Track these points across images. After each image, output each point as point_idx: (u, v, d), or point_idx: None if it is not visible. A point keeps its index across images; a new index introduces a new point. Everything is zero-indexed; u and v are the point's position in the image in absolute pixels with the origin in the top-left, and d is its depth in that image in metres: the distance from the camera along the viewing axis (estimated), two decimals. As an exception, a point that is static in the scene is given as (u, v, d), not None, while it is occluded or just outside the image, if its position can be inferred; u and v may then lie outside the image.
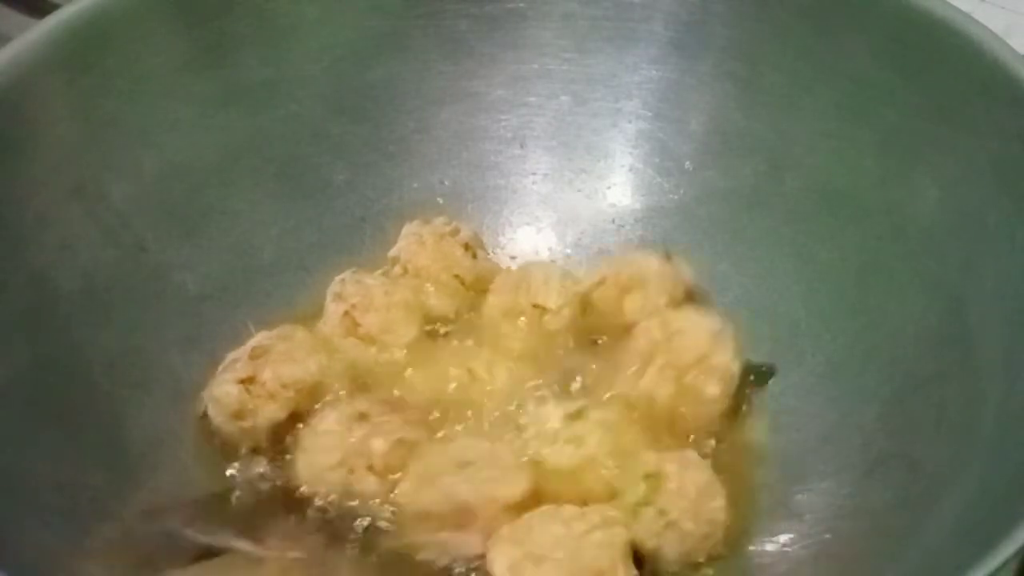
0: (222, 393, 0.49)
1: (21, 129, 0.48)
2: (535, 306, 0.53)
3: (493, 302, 0.54)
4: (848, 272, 0.52)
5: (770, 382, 0.52)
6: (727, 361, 0.50)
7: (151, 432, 0.49)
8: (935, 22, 0.48)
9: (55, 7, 0.51)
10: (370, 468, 0.47)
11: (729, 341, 0.51)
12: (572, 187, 0.60)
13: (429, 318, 0.54)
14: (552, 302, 0.53)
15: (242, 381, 0.49)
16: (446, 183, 0.59)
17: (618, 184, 0.59)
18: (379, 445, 0.47)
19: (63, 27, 0.50)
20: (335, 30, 0.57)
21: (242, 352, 0.50)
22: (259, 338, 0.51)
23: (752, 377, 0.52)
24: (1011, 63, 0.45)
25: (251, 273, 0.55)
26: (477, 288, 0.55)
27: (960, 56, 0.47)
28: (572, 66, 0.59)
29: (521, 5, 0.58)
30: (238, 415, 0.49)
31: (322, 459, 0.48)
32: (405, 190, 0.59)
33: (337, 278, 0.54)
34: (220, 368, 0.50)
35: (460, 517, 0.46)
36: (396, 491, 0.47)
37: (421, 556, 0.46)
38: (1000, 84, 0.46)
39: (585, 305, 0.54)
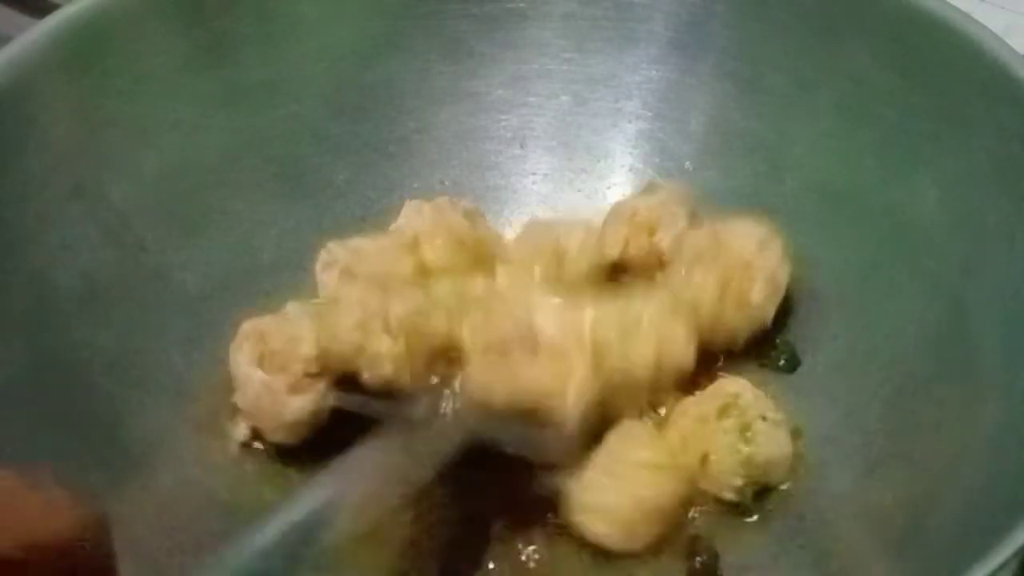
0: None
1: (21, 129, 0.48)
2: (555, 251, 0.52)
3: (513, 247, 0.54)
4: (848, 272, 0.52)
5: (771, 381, 0.52)
6: (773, 267, 0.50)
7: (151, 432, 0.49)
8: (935, 22, 0.48)
9: (55, 7, 0.51)
10: (386, 329, 0.47)
11: (777, 247, 0.50)
12: (572, 187, 0.60)
13: (426, 271, 0.53)
14: (574, 247, 0.52)
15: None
16: (446, 183, 0.59)
17: (618, 184, 0.59)
18: (398, 308, 0.48)
19: (63, 27, 0.50)
20: (335, 30, 0.57)
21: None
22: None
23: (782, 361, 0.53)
24: (1011, 63, 0.45)
25: (251, 273, 0.55)
26: (477, 253, 0.54)
27: (960, 56, 0.47)
28: (572, 66, 0.59)
29: (521, 5, 0.58)
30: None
31: (341, 321, 0.48)
32: (405, 190, 0.59)
33: (322, 251, 0.53)
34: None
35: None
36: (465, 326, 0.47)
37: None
38: (1000, 84, 0.46)
39: (620, 269, 0.54)
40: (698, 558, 0.47)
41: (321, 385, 0.49)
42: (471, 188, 0.60)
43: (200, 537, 0.48)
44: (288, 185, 0.57)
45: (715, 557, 0.47)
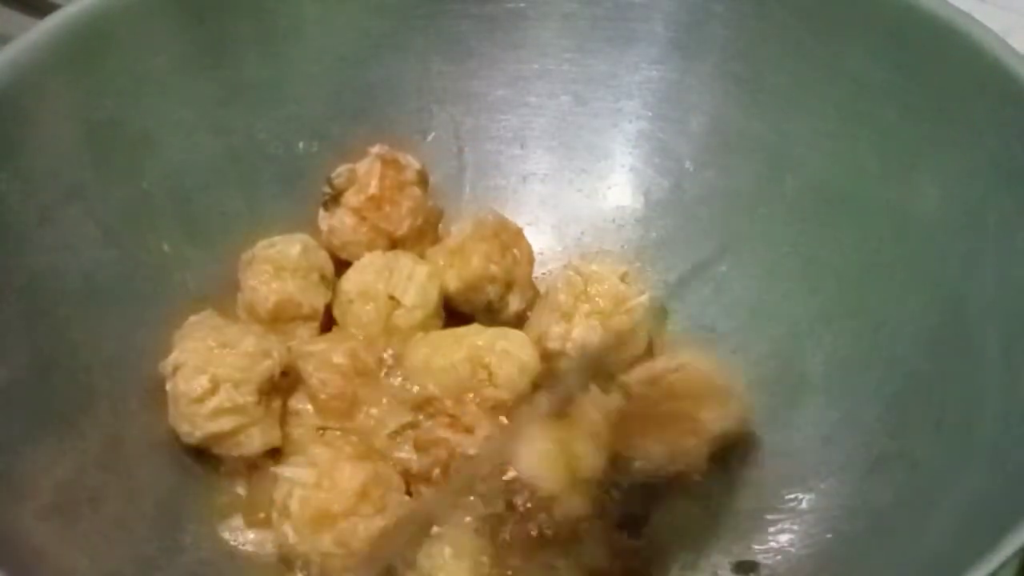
0: None
1: (21, 129, 0.48)
2: (391, 297, 0.53)
3: (353, 278, 0.54)
4: (848, 272, 0.52)
5: (771, 381, 0.53)
6: (643, 300, 0.53)
7: (152, 432, 0.49)
8: (935, 22, 0.48)
9: (55, 7, 0.51)
10: None
11: (638, 279, 0.54)
12: (572, 187, 0.60)
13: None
14: (408, 299, 0.53)
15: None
16: (446, 183, 0.59)
17: (618, 184, 0.59)
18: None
19: (63, 27, 0.50)
20: (335, 30, 0.57)
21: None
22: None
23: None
24: (1011, 63, 0.45)
25: (251, 273, 0.55)
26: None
27: (960, 56, 0.47)
28: (572, 66, 0.59)
29: (521, 5, 0.58)
30: None
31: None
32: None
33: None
34: None
35: None
36: None
37: None
38: (1000, 84, 0.46)
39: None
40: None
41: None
42: (471, 188, 0.60)
43: (200, 537, 0.48)
44: (288, 185, 0.57)
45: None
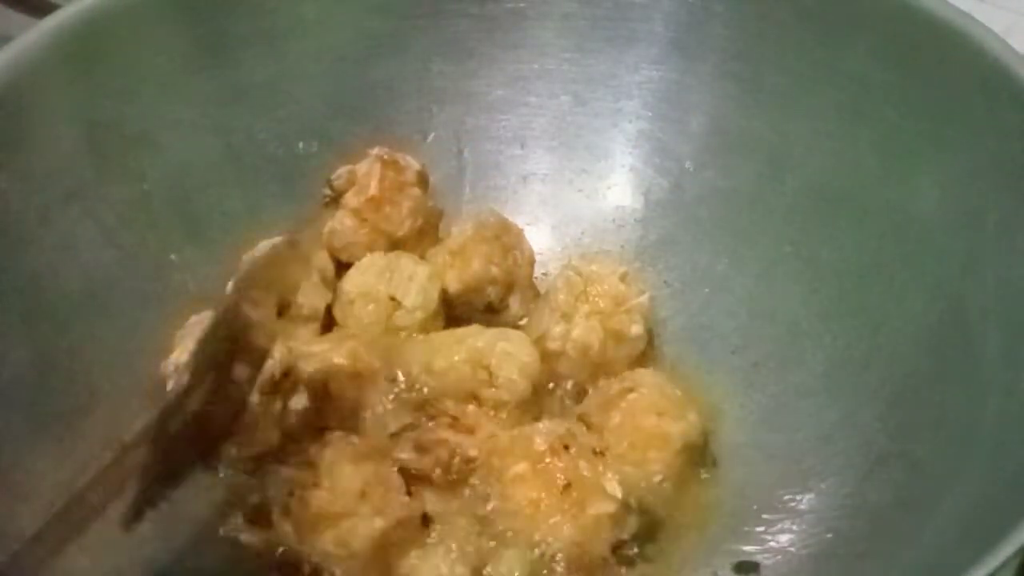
0: None
1: (21, 129, 0.48)
2: (391, 298, 0.53)
3: (354, 279, 0.54)
4: (848, 272, 0.52)
5: (771, 381, 0.53)
6: (643, 300, 0.53)
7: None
8: (935, 22, 0.48)
9: (55, 7, 0.51)
10: None
11: (638, 280, 0.54)
12: (572, 187, 0.60)
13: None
14: (409, 301, 0.53)
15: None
16: (446, 183, 0.59)
17: (618, 184, 0.59)
18: None
19: (63, 27, 0.50)
20: (335, 30, 0.57)
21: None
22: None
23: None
24: (1011, 63, 0.45)
25: (251, 273, 0.55)
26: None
27: (960, 56, 0.47)
28: (572, 66, 0.59)
29: (521, 5, 0.58)
30: None
31: None
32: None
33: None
34: None
35: None
36: None
37: None
38: (1000, 84, 0.46)
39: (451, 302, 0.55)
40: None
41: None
42: (471, 188, 0.60)
43: (200, 537, 0.48)
44: (288, 185, 0.57)
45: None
